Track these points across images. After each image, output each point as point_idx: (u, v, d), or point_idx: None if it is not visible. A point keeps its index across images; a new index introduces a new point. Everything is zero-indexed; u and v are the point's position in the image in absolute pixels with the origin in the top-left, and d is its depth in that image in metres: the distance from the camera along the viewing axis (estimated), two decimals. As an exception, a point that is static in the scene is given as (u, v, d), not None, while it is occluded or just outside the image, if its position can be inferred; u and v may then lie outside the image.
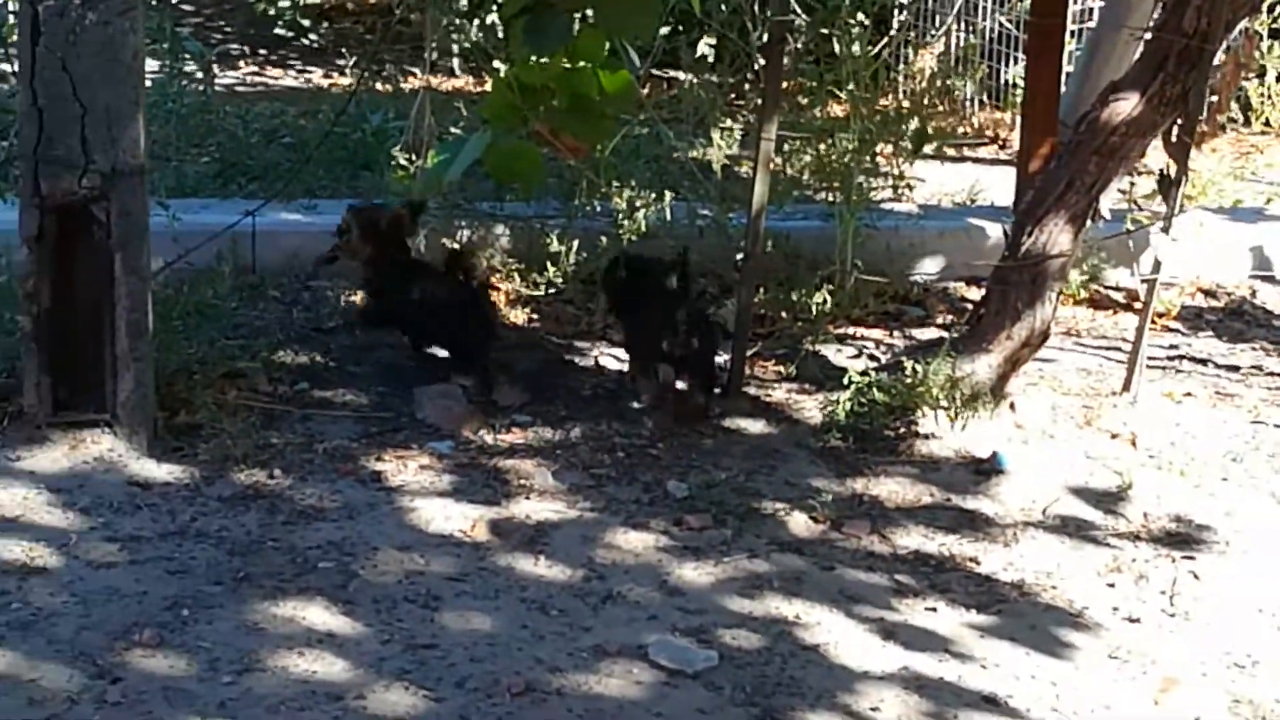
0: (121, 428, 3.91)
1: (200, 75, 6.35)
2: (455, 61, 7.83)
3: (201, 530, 3.59)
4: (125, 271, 3.87)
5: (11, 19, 5.97)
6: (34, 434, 3.88)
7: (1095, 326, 5.44)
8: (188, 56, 6.17)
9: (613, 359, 4.79)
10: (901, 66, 7.50)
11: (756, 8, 5.52)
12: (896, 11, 7.74)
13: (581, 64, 3.79)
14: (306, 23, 8.50)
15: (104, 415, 3.92)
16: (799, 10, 5.21)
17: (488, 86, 6.82)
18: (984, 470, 4.19)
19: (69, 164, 3.80)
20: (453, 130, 5.54)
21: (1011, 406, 4.47)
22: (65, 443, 3.87)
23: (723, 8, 5.73)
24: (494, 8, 7.74)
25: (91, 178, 3.81)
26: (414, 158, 5.39)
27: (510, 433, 4.24)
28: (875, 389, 4.34)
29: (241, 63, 8.22)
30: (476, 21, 7.32)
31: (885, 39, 5.94)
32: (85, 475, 3.78)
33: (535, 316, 5.08)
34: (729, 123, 5.40)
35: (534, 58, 3.74)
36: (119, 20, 3.80)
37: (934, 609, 3.52)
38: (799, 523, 3.86)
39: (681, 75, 6.39)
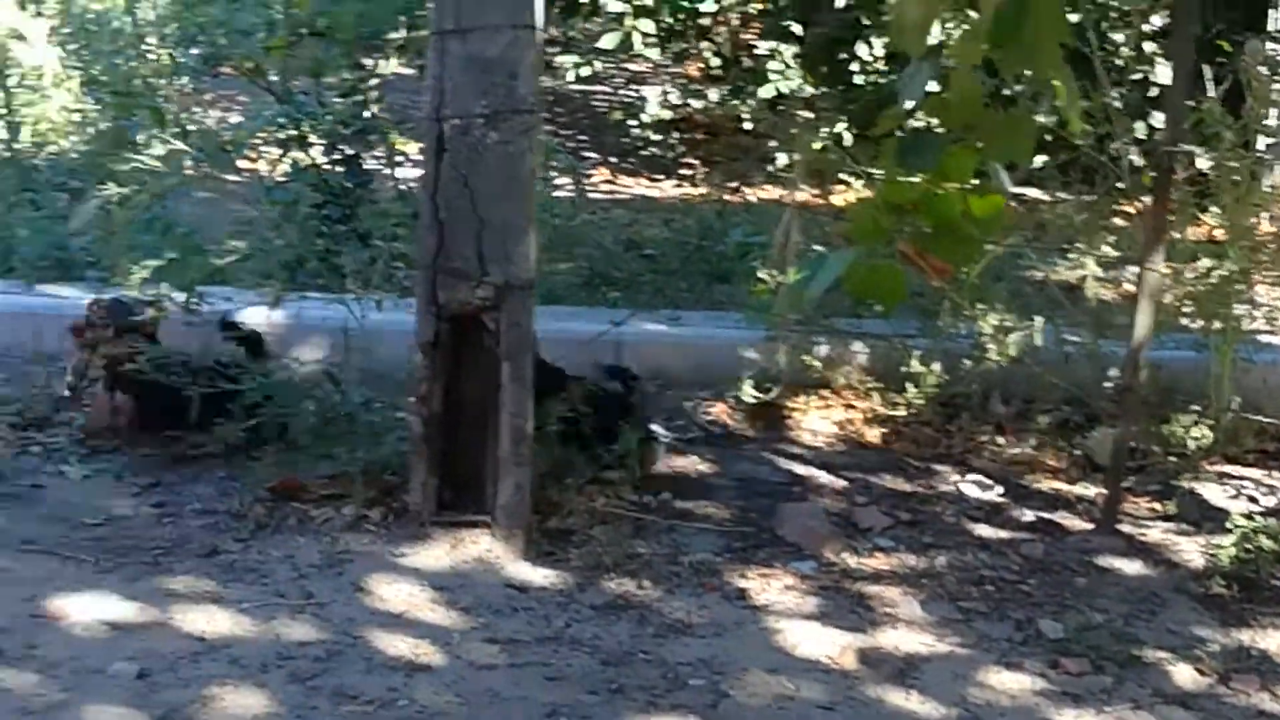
0: (499, 529, 4.02)
1: (571, 186, 6.58)
2: (798, 173, 7.89)
3: (575, 637, 3.65)
4: (511, 379, 3.99)
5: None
6: (418, 531, 4.03)
7: None
8: (559, 168, 6.41)
9: (974, 486, 4.70)
10: (1269, 187, 7.19)
11: (1128, 129, 5.39)
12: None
13: (950, 184, 3.76)
14: (656, 135, 8.71)
15: (484, 516, 4.04)
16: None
17: (833, 200, 6.87)
18: (1385, 630, 3.92)
19: (465, 275, 3.96)
20: (815, 247, 5.56)
21: None
22: (446, 541, 4.01)
23: (1090, 129, 5.61)
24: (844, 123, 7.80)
25: (485, 289, 3.95)
26: (774, 273, 5.43)
27: (873, 556, 4.19)
28: (1262, 534, 4.12)
29: (594, 170, 8.49)
30: (825, 132, 7.37)
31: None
32: (466, 575, 3.89)
33: (893, 437, 5.03)
34: (1103, 247, 5.26)
35: (903, 177, 3.73)
36: (519, 140, 3.96)
37: (1336, 779, 3.30)
38: (1184, 674, 3.67)
39: (1039, 194, 6.28)
